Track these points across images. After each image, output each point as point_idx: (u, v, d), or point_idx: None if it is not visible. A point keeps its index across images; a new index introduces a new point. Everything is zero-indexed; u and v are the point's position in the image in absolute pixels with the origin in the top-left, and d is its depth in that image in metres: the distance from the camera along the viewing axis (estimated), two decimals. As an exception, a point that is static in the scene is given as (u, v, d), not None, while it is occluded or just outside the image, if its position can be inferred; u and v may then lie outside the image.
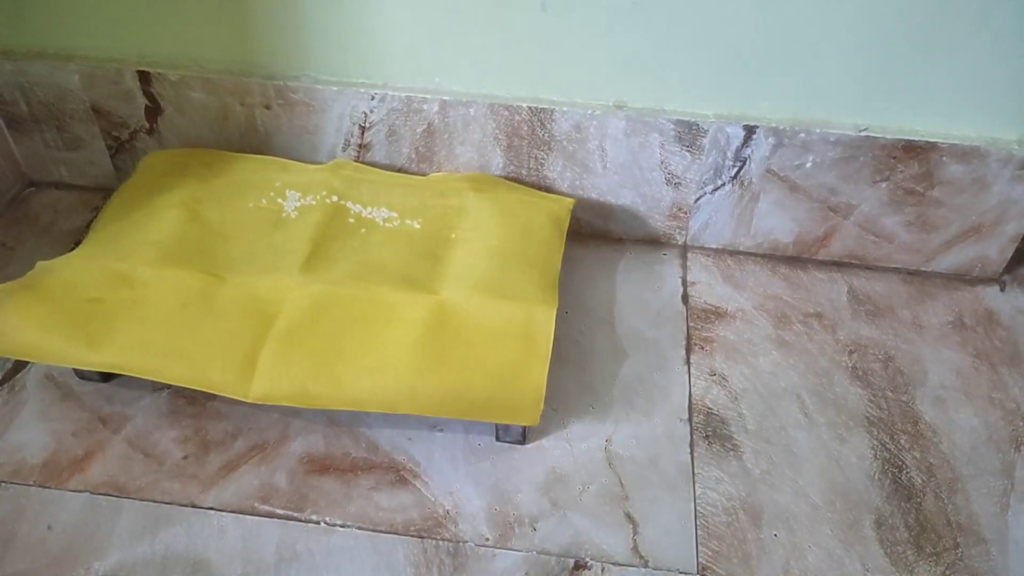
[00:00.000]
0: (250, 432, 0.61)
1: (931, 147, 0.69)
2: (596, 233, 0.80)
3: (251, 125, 0.77)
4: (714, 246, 0.79)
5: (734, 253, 0.79)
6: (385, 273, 0.65)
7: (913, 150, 0.69)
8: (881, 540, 0.56)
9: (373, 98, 0.73)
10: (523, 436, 0.61)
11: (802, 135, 0.69)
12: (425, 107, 0.73)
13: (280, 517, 0.56)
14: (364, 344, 0.59)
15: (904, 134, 0.69)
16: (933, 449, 0.62)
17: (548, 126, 0.72)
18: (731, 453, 0.61)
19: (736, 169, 0.73)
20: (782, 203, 0.74)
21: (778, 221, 0.76)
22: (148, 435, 0.61)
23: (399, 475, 0.59)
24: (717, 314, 0.73)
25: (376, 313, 0.61)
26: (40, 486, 0.57)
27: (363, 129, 0.75)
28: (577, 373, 0.67)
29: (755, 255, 0.79)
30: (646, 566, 0.54)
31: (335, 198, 0.72)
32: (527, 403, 0.57)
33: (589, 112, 0.71)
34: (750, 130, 0.70)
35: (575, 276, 0.75)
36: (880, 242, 0.76)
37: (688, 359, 0.69)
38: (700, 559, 0.55)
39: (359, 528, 0.56)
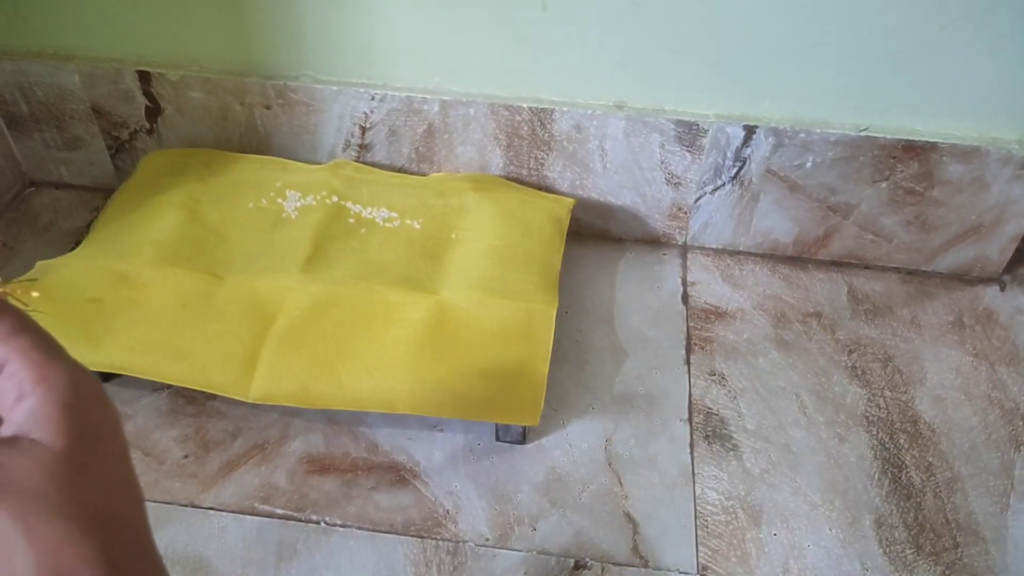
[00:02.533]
0: (250, 432, 0.61)
1: (931, 147, 0.69)
2: (596, 233, 0.80)
3: (251, 125, 0.77)
4: (714, 246, 0.79)
5: (734, 253, 0.79)
6: (385, 273, 0.65)
7: (913, 150, 0.69)
8: (880, 539, 0.56)
9: (373, 98, 0.73)
10: (523, 436, 0.61)
11: (802, 135, 0.69)
12: (425, 107, 0.73)
13: (280, 517, 0.56)
14: (364, 344, 0.59)
15: (904, 134, 0.69)
16: (932, 448, 0.62)
17: (548, 126, 0.72)
18: (731, 452, 0.61)
19: (736, 169, 0.73)
20: (782, 203, 0.74)
21: (778, 221, 0.76)
22: (148, 434, 0.61)
23: (399, 475, 0.59)
24: (717, 314, 0.73)
25: (376, 313, 0.61)
26: (40, 486, 0.57)
27: (363, 129, 0.75)
28: (577, 373, 0.67)
29: (755, 255, 0.79)
30: (646, 566, 0.54)
31: (335, 198, 0.72)
32: (527, 403, 0.57)
33: (589, 112, 0.71)
34: (750, 130, 0.70)
35: (575, 276, 0.75)
36: (880, 242, 0.76)
37: (688, 359, 0.69)
38: (700, 559, 0.55)
39: (359, 528, 0.56)
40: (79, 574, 0.22)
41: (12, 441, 0.23)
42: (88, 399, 0.25)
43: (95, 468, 0.24)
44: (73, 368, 0.25)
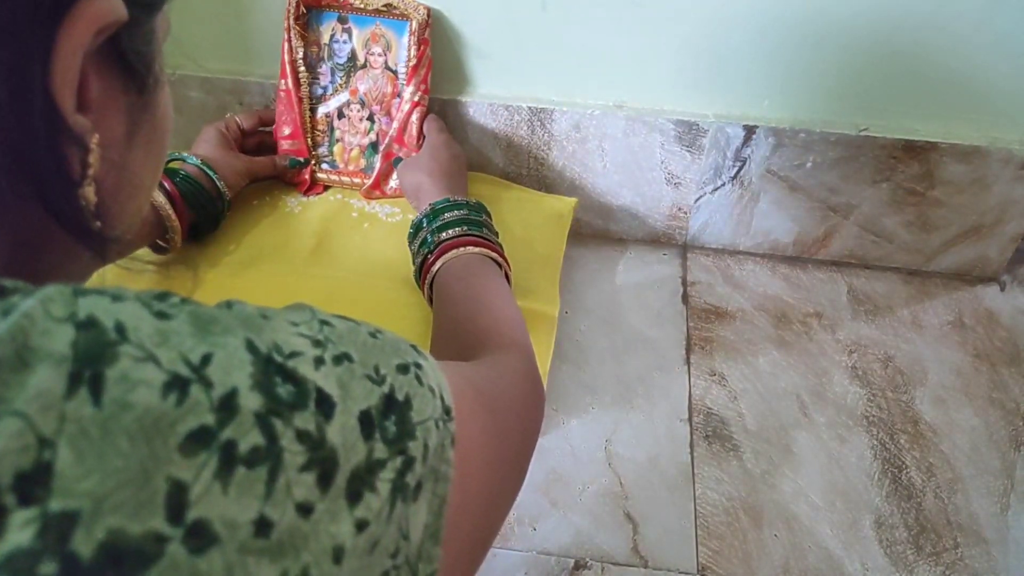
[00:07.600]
0: (250, 431, 0.61)
1: (931, 147, 0.68)
2: (596, 233, 0.80)
3: (251, 124, 0.76)
4: (714, 246, 0.79)
5: (734, 253, 0.79)
6: (387, 269, 0.65)
7: (913, 150, 0.69)
8: (881, 540, 0.56)
9: (373, 97, 0.73)
10: (523, 436, 0.61)
11: (802, 135, 0.69)
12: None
13: (280, 516, 0.56)
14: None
15: (904, 134, 0.69)
16: (933, 449, 0.62)
17: (548, 126, 0.72)
18: (731, 453, 0.61)
19: (736, 169, 0.73)
20: (782, 203, 0.74)
21: (778, 221, 0.76)
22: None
23: (399, 475, 0.59)
24: (717, 314, 0.73)
25: (378, 309, 0.61)
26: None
27: (363, 128, 0.75)
28: (577, 373, 0.67)
29: (755, 255, 0.79)
30: (646, 566, 0.54)
31: (338, 194, 0.72)
32: (527, 403, 0.57)
33: (589, 112, 0.71)
34: (750, 130, 0.70)
35: (575, 276, 0.75)
36: (880, 242, 0.76)
37: (688, 359, 0.68)
38: (700, 559, 0.55)
39: (359, 528, 0.55)
40: (424, 185, 0.63)
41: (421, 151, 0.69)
42: (447, 142, 0.68)
43: (439, 154, 0.66)
44: (445, 138, 0.69)
